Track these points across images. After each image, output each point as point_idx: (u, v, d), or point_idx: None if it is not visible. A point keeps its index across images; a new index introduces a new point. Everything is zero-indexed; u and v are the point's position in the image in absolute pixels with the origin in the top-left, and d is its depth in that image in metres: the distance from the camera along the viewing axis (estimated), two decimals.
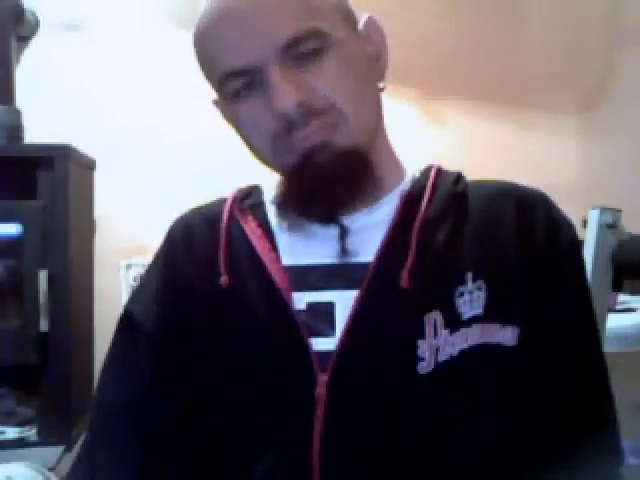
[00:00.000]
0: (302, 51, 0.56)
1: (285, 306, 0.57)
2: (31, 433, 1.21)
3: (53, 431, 1.20)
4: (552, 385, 0.59)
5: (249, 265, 0.60)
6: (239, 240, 0.62)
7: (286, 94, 0.55)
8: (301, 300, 0.58)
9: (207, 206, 0.68)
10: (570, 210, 0.65)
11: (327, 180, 0.57)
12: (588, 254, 1.03)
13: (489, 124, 1.60)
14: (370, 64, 0.62)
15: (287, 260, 0.60)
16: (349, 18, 0.61)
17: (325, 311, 0.58)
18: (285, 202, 0.62)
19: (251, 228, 0.63)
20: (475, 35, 1.58)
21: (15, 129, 1.32)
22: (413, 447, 0.55)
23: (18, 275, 1.22)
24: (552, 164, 1.58)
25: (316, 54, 0.57)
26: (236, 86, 0.58)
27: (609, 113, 1.62)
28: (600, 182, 1.56)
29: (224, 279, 0.60)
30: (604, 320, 1.06)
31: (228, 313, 0.59)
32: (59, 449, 1.18)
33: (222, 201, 0.67)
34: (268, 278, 0.59)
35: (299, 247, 0.61)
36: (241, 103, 0.58)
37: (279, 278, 0.59)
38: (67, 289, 1.21)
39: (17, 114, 1.33)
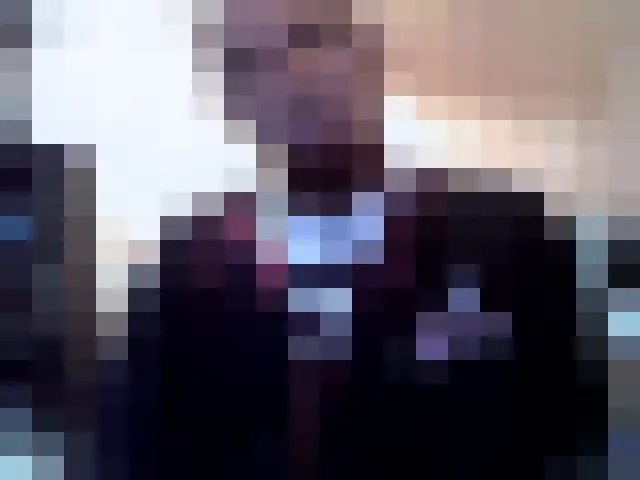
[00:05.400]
0: (311, 37, 0.57)
1: (278, 305, 0.58)
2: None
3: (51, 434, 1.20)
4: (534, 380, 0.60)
5: (243, 263, 0.61)
6: (233, 237, 0.63)
7: (302, 79, 0.56)
8: (295, 299, 0.59)
9: (200, 203, 0.68)
10: (568, 212, 0.65)
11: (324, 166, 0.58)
12: (585, 256, 1.03)
13: (487, 124, 1.60)
14: (366, 57, 0.62)
15: (281, 258, 0.61)
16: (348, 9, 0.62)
17: (318, 311, 0.58)
18: (291, 179, 0.61)
19: (246, 225, 0.63)
20: (474, 33, 1.58)
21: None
22: (414, 446, 0.56)
23: (12, 276, 1.22)
24: (549, 169, 1.58)
25: (319, 44, 0.57)
26: (244, 63, 0.58)
27: (609, 120, 1.62)
28: (600, 188, 1.56)
29: (216, 280, 0.60)
30: (605, 319, 1.06)
31: (222, 314, 0.59)
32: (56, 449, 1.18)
33: (217, 198, 0.67)
34: (261, 277, 0.59)
35: (295, 244, 0.62)
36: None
37: (274, 276, 0.59)
38: (65, 289, 1.21)
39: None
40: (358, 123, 0.59)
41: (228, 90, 0.59)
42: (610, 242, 1.28)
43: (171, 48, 1.49)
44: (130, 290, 0.65)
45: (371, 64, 0.62)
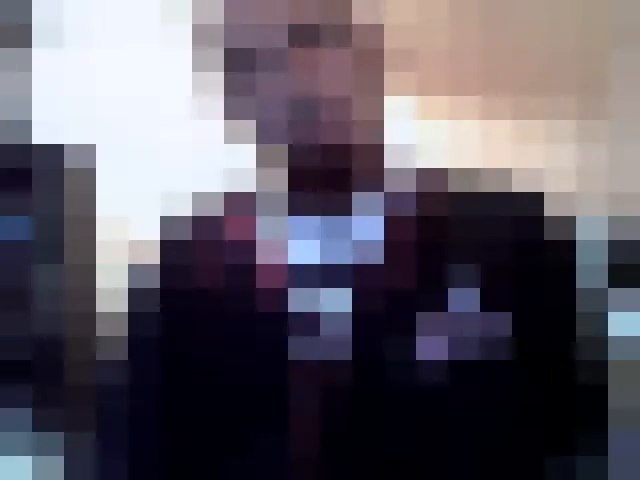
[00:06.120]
0: (311, 37, 0.57)
1: (278, 305, 0.58)
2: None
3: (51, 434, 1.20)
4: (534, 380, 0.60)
5: (243, 263, 0.61)
6: (233, 237, 0.63)
7: (302, 79, 0.56)
8: (295, 299, 0.59)
9: (200, 203, 0.68)
10: (568, 212, 0.65)
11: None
12: (585, 256, 1.04)
13: (487, 124, 1.60)
14: (366, 57, 0.62)
15: (281, 258, 0.61)
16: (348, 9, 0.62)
17: (318, 311, 0.58)
18: (292, 178, 0.62)
19: (246, 225, 0.63)
20: (474, 33, 1.58)
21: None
22: (414, 446, 0.56)
23: (12, 276, 1.22)
24: (549, 169, 1.58)
25: (319, 44, 0.58)
26: (244, 63, 0.58)
27: (609, 120, 1.62)
28: (600, 188, 1.56)
29: (216, 280, 0.60)
30: (605, 319, 1.06)
31: (222, 314, 0.59)
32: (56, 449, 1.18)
33: (217, 198, 0.67)
34: (261, 277, 0.59)
35: (295, 245, 0.62)
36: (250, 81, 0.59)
37: (274, 276, 0.59)
38: (65, 289, 1.21)
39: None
40: (358, 123, 0.59)
41: (228, 90, 0.59)
42: (610, 242, 1.28)
43: (171, 48, 1.49)
44: (130, 290, 0.66)
45: (371, 64, 0.62)
